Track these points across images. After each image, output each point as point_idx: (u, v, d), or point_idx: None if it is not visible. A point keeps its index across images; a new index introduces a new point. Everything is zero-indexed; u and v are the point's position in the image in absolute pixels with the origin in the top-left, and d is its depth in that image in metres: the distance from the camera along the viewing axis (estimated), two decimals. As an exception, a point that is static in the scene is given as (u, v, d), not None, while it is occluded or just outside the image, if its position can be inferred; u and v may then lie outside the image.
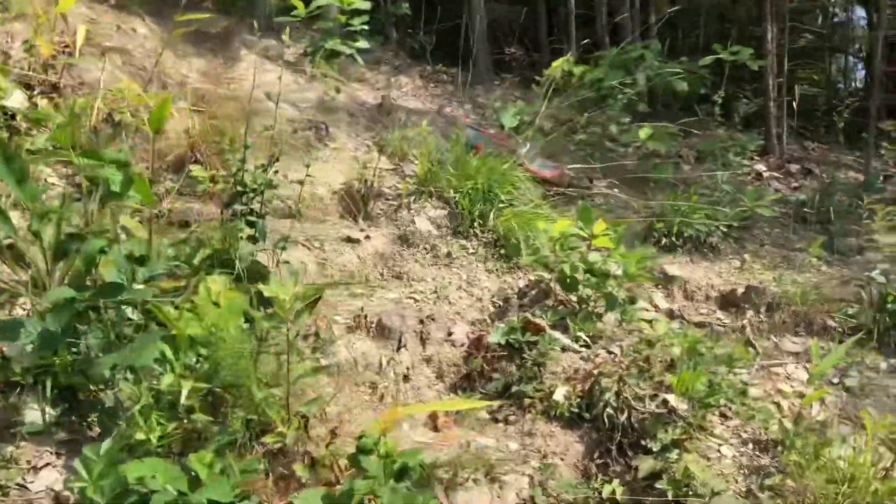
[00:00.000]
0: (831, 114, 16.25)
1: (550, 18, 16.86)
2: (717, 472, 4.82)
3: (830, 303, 8.01)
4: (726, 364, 5.86)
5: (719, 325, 7.93)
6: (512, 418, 5.39)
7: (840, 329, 7.71)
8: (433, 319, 5.83)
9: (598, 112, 12.68)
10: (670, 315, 7.85)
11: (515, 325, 5.90)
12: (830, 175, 13.16)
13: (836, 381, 7.01)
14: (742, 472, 4.89)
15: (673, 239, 9.04)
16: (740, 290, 8.13)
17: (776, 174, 13.72)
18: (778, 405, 6.75)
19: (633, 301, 6.42)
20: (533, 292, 6.71)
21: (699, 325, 7.96)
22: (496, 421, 5.42)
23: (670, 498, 4.47)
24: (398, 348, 5.78)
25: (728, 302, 8.20)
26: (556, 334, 5.96)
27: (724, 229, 9.70)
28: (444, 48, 14.29)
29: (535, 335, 5.83)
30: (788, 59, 14.79)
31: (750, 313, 7.93)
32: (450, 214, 7.42)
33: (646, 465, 4.67)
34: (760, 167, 13.84)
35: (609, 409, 5.03)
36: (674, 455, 4.72)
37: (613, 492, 4.70)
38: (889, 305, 7.54)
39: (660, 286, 7.97)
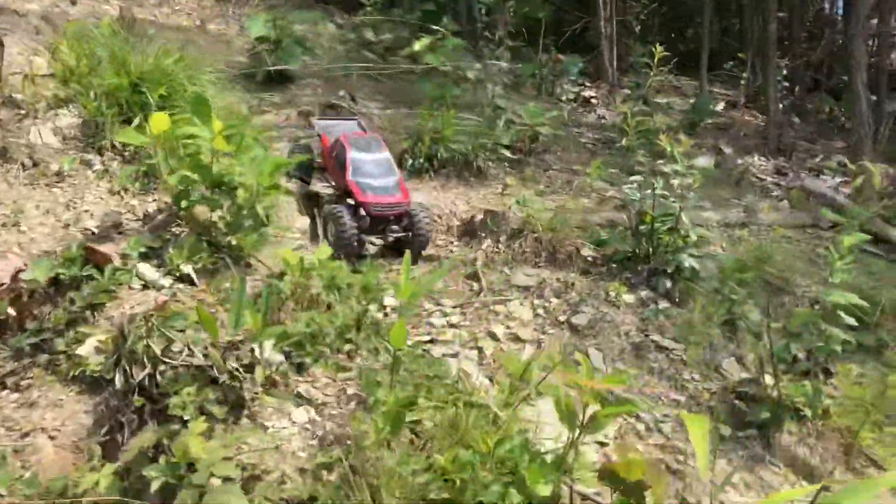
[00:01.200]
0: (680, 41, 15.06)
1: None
2: (267, 445, 3.33)
3: (584, 229, 6.65)
4: (366, 297, 4.38)
5: (448, 257, 6.49)
6: (25, 383, 3.82)
7: (592, 258, 6.36)
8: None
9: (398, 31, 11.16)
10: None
11: (74, 256, 4.31)
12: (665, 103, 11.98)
13: (563, 318, 5.64)
14: (307, 447, 3.41)
15: (422, 161, 7.54)
16: (479, 217, 6.69)
17: (607, 100, 12.39)
18: (480, 350, 5.39)
19: (266, 223, 4.87)
20: (161, 217, 5.12)
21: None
22: (3, 387, 3.84)
23: (155, 487, 2.95)
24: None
25: (467, 231, 6.76)
26: (144, 267, 4.39)
27: (505, 152, 8.31)
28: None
29: (102, 268, 4.25)
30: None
31: (487, 242, 6.51)
32: (85, 124, 5.75)
33: (143, 439, 3.14)
34: (589, 93, 12.51)
35: (130, 365, 3.47)
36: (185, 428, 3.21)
37: (97, 483, 3.18)
38: (642, 227, 6.20)
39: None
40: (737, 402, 4.96)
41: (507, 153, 8.37)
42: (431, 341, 5.38)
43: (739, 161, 10.20)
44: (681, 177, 6.06)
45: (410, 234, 6.29)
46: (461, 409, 3.62)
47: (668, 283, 6.05)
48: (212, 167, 4.66)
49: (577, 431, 3.47)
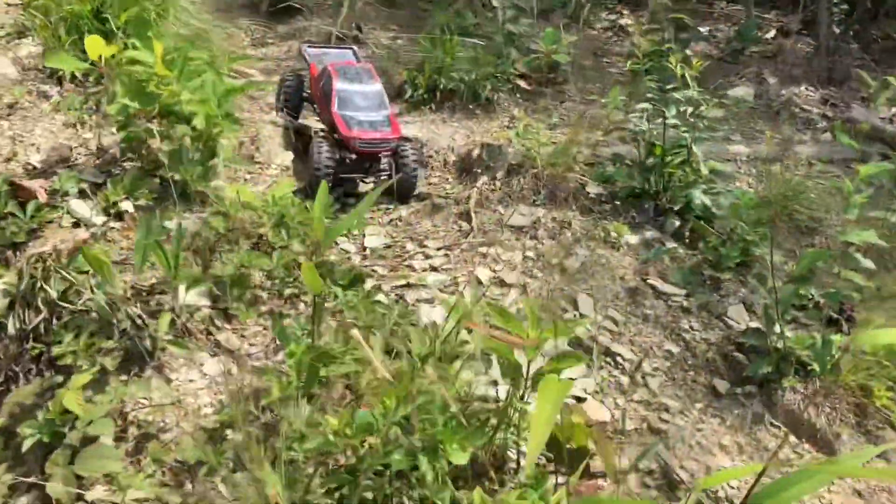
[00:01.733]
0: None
1: None
2: (168, 400, 2.99)
3: (593, 164, 6.10)
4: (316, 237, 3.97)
5: (441, 196, 6.02)
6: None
7: (597, 196, 5.82)
8: None
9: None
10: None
11: (-1, 191, 4.02)
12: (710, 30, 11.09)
13: (555, 261, 5.15)
14: (217, 403, 3.06)
15: (421, 92, 7.02)
16: (476, 152, 6.19)
17: (645, 28, 11.52)
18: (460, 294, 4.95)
19: (216, 154, 4.47)
20: (113, 151, 4.79)
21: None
22: None
23: (27, 446, 2.65)
24: None
25: (464, 167, 6.27)
26: (76, 204, 4.08)
27: (519, 83, 7.73)
28: None
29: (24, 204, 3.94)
30: None
31: (483, 179, 6.01)
32: (46, 54, 5.41)
33: (22, 392, 2.83)
34: (626, 21, 11.67)
35: (24, 309, 3.15)
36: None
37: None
38: (650, 160, 5.61)
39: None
40: (737, 354, 4.42)
41: (522, 83, 7.78)
42: (407, 286, 4.97)
43: (783, 91, 9.35)
44: (693, 104, 5.42)
45: (397, 172, 5.85)
46: (406, 361, 3.22)
47: (677, 223, 5.50)
48: (153, 94, 4.26)
49: (522, 389, 3.04)
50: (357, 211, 3.20)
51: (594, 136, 6.79)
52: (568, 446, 2.99)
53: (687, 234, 5.51)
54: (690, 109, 5.42)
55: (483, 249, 5.36)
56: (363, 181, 6.07)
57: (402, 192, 5.83)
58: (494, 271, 5.17)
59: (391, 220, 5.75)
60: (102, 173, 4.48)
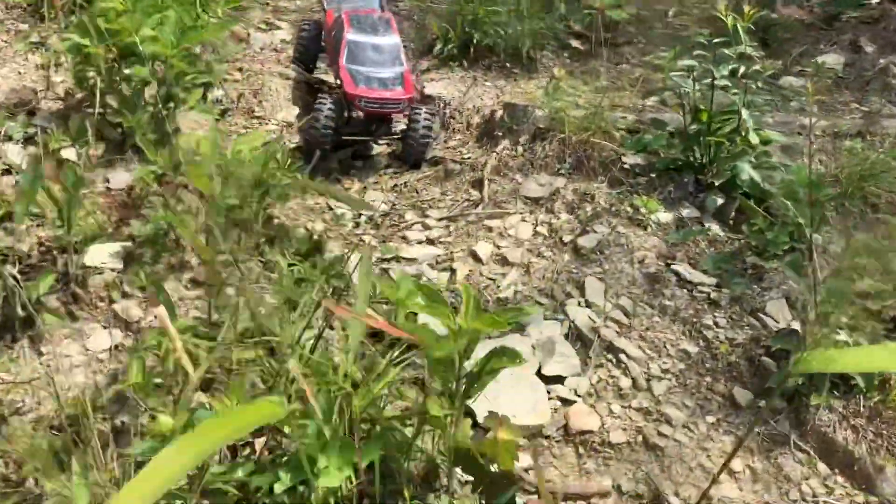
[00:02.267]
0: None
1: None
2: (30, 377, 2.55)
3: (633, 132, 5.35)
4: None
5: (457, 161, 5.41)
6: None
7: (631, 167, 5.09)
8: None
9: None
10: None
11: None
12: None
13: (568, 238, 4.49)
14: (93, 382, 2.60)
15: (451, 47, 6.39)
16: (499, 113, 5.54)
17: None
18: (452, 272, 4.38)
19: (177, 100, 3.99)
20: (80, 95, 4.39)
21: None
22: None
23: None
24: None
25: (487, 130, 5.63)
26: (12, 150, 3.71)
27: (572, 41, 7.02)
28: None
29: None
30: None
31: (504, 143, 5.36)
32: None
33: None
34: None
35: None
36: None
37: None
38: (694, 127, 4.84)
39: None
40: (766, 358, 3.66)
41: (576, 43, 7.03)
42: (395, 259, 4.41)
43: (881, 60, 8.22)
44: (746, 61, 4.61)
45: (404, 136, 5.28)
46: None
47: (720, 200, 4.71)
48: (111, 31, 3.81)
49: (458, 389, 2.45)
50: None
51: (643, 102, 6.02)
52: (493, 468, 2.37)
53: (732, 214, 4.72)
54: (742, 69, 4.60)
55: (489, 222, 4.74)
56: (376, 143, 5.52)
57: (409, 159, 5.26)
58: (498, 247, 4.55)
59: (395, 186, 5.19)
60: (59, 119, 4.08)
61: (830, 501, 3.13)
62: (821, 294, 3.39)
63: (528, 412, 3.34)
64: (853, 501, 3.14)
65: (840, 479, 3.22)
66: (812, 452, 3.31)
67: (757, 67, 4.60)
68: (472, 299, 2.43)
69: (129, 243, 3.20)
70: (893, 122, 6.44)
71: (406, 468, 2.37)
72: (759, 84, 4.66)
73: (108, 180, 3.72)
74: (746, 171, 4.59)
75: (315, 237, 3.62)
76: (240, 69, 5.65)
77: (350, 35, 5.27)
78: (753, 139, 4.53)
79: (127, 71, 3.81)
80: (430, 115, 5.27)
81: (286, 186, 3.33)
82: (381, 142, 5.51)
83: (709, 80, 4.72)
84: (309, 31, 5.97)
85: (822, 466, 3.27)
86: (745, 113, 4.56)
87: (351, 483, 2.15)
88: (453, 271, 4.35)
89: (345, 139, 5.20)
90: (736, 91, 4.65)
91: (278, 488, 2.03)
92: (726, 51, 4.64)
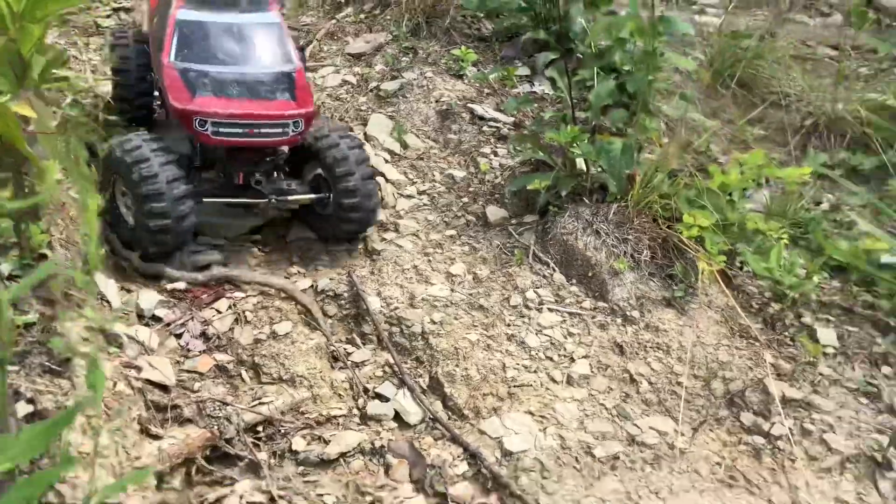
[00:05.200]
0: None
1: None
2: None
3: None
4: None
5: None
6: None
7: (476, 30, 4.70)
8: None
9: None
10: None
11: None
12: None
13: (374, 84, 4.11)
14: None
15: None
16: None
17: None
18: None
19: None
20: None
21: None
22: None
23: None
24: None
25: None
26: None
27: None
28: None
29: None
30: None
31: (348, 10, 5.01)
32: None
33: None
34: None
35: None
36: None
37: None
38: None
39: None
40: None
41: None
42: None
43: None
44: None
45: (326, 194, 2.98)
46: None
47: (552, 56, 4.28)
48: None
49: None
50: None
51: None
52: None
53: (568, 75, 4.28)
54: None
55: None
56: (254, 210, 3.10)
57: (343, 232, 3.02)
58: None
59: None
60: None
61: (557, 308, 2.69)
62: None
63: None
64: (581, 307, 2.70)
65: (575, 288, 2.78)
66: (552, 263, 2.87)
67: None
68: None
69: None
70: (798, 28, 6.02)
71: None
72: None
73: None
74: (579, 21, 4.15)
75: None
76: None
77: (180, 13, 3.05)
78: None
79: None
80: (357, 147, 3.02)
81: None
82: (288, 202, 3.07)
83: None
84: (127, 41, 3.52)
85: (558, 276, 2.82)
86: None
87: None
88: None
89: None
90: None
91: None
92: None
